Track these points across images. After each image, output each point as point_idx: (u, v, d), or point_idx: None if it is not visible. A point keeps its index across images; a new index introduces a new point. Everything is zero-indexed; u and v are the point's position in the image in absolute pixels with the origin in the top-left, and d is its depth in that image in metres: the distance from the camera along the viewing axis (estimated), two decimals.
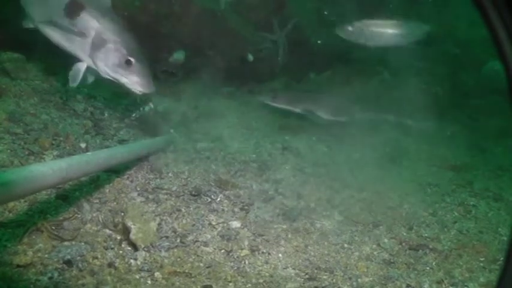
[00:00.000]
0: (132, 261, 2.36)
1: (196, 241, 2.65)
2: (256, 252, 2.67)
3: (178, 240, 2.61)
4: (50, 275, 2.09)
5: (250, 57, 5.49)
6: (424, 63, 5.52)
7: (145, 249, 2.45)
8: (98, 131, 3.71)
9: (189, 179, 3.35)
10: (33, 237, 2.31)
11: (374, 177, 3.86)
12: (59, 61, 3.66)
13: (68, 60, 3.24)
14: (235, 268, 2.50)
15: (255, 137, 4.56)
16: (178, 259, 2.46)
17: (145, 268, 2.32)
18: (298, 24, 5.83)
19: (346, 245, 2.93)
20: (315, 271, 2.59)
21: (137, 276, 2.26)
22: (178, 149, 3.79)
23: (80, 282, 2.11)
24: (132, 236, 2.45)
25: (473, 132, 5.57)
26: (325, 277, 2.56)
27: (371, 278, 2.62)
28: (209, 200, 3.13)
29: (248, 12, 5.64)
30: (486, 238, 3.29)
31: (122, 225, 2.54)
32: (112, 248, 2.42)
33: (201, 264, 2.47)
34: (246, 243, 2.73)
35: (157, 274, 2.30)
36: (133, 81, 3.02)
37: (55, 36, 3.16)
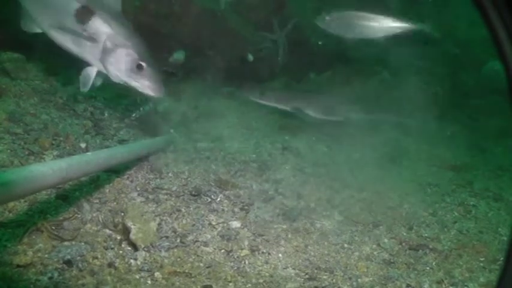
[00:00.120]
0: (132, 261, 2.36)
1: (196, 241, 2.65)
2: (256, 252, 2.67)
3: (178, 240, 2.61)
4: (50, 275, 2.09)
5: (250, 57, 5.49)
6: (424, 63, 5.51)
7: (145, 249, 2.45)
8: (98, 131, 3.71)
9: (189, 179, 3.35)
10: (33, 237, 2.31)
11: (374, 177, 3.86)
12: (59, 61, 3.66)
13: (67, 60, 3.23)
14: (235, 268, 2.50)
15: (255, 137, 4.56)
16: (178, 259, 2.46)
17: (145, 268, 2.32)
18: (298, 24, 5.82)
19: (346, 245, 2.93)
20: (315, 271, 2.59)
21: (137, 276, 2.26)
22: (178, 149, 3.79)
23: (80, 282, 2.11)
24: (132, 236, 2.45)
25: (473, 132, 5.57)
26: (325, 277, 2.56)
27: (371, 278, 2.63)
28: (209, 200, 3.13)
29: (248, 12, 5.64)
30: (486, 238, 3.29)
31: (122, 225, 2.54)
32: (112, 248, 2.42)
33: (201, 264, 2.47)
34: (246, 243, 2.73)
35: (157, 274, 2.30)
36: (145, 86, 3.02)
37: (64, 40, 3.12)
